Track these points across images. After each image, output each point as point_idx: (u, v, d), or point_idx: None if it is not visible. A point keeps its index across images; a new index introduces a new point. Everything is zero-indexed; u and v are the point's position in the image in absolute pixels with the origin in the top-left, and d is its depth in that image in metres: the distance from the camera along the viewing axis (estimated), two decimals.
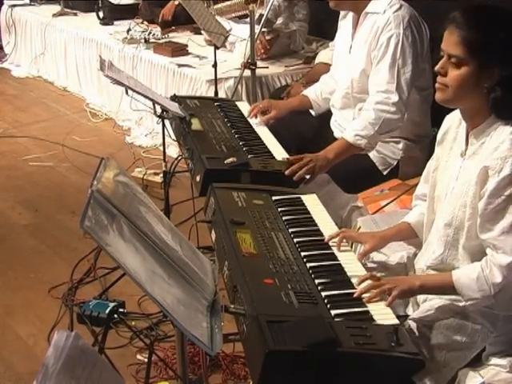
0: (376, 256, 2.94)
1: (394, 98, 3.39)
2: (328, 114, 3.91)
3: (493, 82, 2.24)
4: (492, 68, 2.23)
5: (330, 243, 2.58)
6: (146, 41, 6.14)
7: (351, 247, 2.65)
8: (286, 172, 3.10)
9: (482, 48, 2.23)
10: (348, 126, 3.52)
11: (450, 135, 2.50)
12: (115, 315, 2.97)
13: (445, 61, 2.30)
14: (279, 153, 3.33)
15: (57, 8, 7.63)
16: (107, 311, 2.94)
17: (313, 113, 3.98)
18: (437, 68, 2.32)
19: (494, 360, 2.31)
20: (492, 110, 2.27)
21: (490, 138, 2.28)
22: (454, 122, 2.48)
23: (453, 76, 2.27)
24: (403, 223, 2.72)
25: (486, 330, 2.33)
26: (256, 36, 4.62)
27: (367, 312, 2.18)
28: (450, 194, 2.40)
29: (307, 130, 3.95)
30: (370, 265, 2.68)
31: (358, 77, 3.59)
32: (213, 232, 2.67)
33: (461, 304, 2.33)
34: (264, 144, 3.45)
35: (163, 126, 3.71)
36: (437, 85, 2.34)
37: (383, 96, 3.41)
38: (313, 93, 3.95)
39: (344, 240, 2.58)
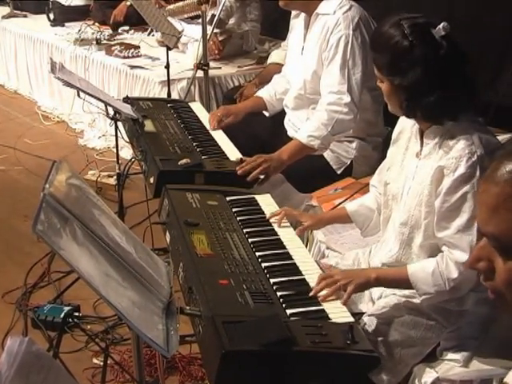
0: (331, 254, 2.97)
1: (346, 98, 3.41)
2: (281, 114, 3.92)
3: (406, 95, 2.30)
4: (399, 80, 2.29)
5: (271, 220, 2.72)
6: (98, 42, 6.09)
7: (306, 246, 2.67)
8: (239, 172, 3.10)
9: (384, 67, 2.33)
10: (301, 127, 3.54)
11: (405, 135, 2.52)
12: (70, 319, 2.95)
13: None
14: (233, 153, 3.33)
15: (6, 9, 7.53)
16: (62, 315, 2.92)
17: (266, 114, 3.98)
18: (378, 83, 2.43)
19: (448, 355, 2.35)
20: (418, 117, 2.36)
21: (444, 137, 2.30)
22: (408, 122, 2.50)
23: (383, 90, 2.38)
24: (342, 209, 2.82)
25: (440, 326, 2.37)
26: (208, 37, 4.61)
27: (322, 310, 2.20)
28: (407, 193, 2.42)
29: (261, 130, 3.96)
30: (324, 262, 2.69)
31: (310, 78, 3.60)
32: (167, 233, 2.66)
33: (415, 301, 2.35)
34: (217, 145, 3.45)
35: (116, 128, 3.69)
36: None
37: (335, 97, 3.43)
38: (267, 94, 3.96)
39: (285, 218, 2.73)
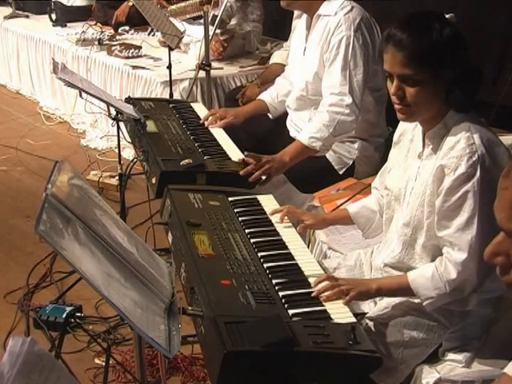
0: (333, 254, 2.97)
1: (348, 99, 3.41)
2: (284, 115, 3.92)
3: (449, 82, 2.25)
4: (445, 71, 2.24)
5: (273, 216, 2.74)
6: (100, 42, 6.10)
7: (308, 246, 2.66)
8: (241, 172, 3.10)
9: (430, 59, 2.22)
10: (303, 128, 3.54)
11: (407, 137, 2.51)
12: (72, 319, 2.95)
13: (398, 83, 2.27)
14: (235, 154, 3.33)
15: (8, 10, 7.53)
16: (64, 316, 2.92)
17: (270, 116, 3.98)
18: (393, 92, 2.29)
19: (450, 355, 2.35)
20: (451, 107, 2.29)
21: (446, 137, 2.29)
22: (409, 124, 2.49)
23: (412, 94, 2.26)
24: (344, 210, 2.81)
25: (442, 326, 2.36)
26: (210, 37, 4.61)
27: (324, 311, 2.19)
28: (410, 195, 2.42)
29: (263, 130, 3.96)
30: (326, 264, 2.69)
31: (311, 79, 3.60)
32: (169, 234, 2.66)
33: (417, 301, 2.35)
34: (219, 145, 3.45)
35: (118, 128, 3.69)
36: (397, 106, 2.32)
37: (337, 98, 3.42)
38: (269, 96, 3.95)
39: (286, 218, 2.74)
